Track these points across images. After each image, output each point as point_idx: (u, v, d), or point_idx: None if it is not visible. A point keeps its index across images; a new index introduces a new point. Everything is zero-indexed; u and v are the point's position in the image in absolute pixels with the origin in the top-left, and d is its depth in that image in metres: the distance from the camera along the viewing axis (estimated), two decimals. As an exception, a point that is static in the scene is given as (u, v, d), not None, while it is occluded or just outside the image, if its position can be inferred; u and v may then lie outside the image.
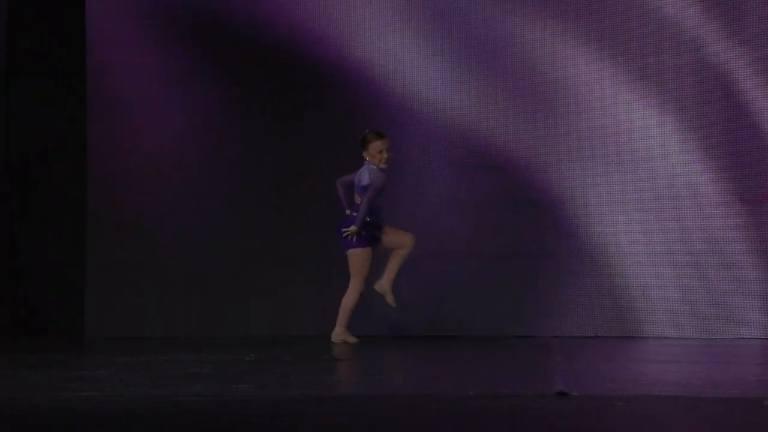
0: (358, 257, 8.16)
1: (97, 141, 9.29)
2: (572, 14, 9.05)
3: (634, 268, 8.94)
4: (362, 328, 8.24)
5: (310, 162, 9.01)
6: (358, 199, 8.23)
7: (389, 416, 3.98)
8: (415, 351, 7.51)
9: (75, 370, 5.82)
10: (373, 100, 9.01)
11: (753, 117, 8.85)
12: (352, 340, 8.04)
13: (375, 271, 8.12)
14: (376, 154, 8.16)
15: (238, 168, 9.23)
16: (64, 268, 9.45)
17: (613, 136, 8.98)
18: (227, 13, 9.26)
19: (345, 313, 8.15)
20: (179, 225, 9.21)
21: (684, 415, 3.86)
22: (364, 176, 8.16)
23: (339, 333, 8.11)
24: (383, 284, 8.20)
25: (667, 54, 8.98)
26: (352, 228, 8.06)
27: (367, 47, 9.13)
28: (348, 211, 8.27)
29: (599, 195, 9.00)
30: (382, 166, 8.18)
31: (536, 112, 9.02)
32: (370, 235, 8.18)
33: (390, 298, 8.16)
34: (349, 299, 8.15)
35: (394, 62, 9.04)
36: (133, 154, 9.28)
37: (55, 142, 9.58)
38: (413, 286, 8.90)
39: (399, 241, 8.25)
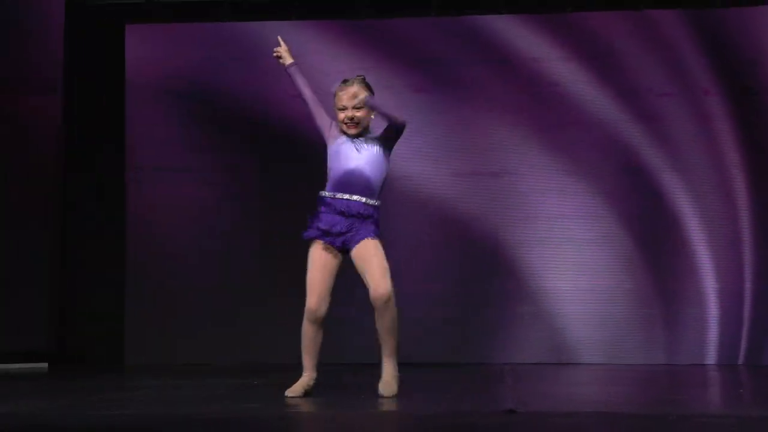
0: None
1: (135, 198, 9.32)
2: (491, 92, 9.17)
3: (566, 306, 8.96)
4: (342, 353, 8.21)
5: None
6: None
7: (369, 428, 3.93)
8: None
9: (114, 391, 5.75)
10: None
11: (647, 177, 8.97)
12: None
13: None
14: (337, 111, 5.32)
15: (254, 218, 9.23)
16: (106, 304, 9.40)
17: (541, 199, 9.05)
18: (233, 101, 9.34)
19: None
20: (206, 266, 9.21)
21: (606, 428, 3.83)
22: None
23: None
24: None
25: (576, 130, 9.08)
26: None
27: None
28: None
29: (535, 247, 9.04)
30: (347, 131, 5.29)
31: (481, 175, 9.08)
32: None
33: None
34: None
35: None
36: (165, 207, 9.31)
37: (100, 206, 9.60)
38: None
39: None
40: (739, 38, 9.02)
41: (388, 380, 5.11)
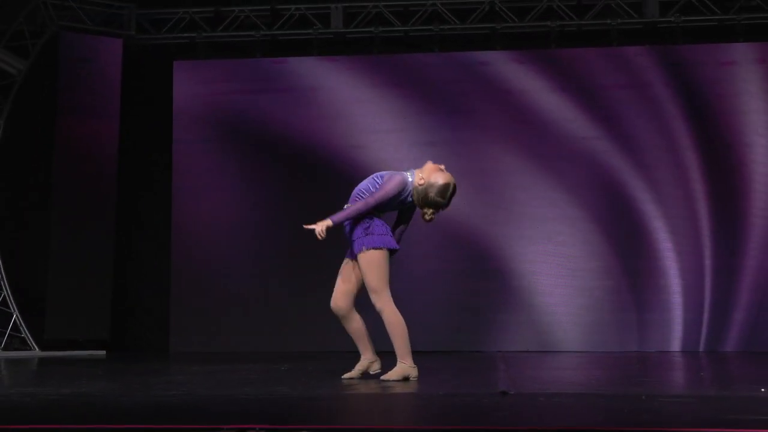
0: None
1: (180, 208, 9.35)
2: (497, 125, 9.17)
3: (550, 303, 8.93)
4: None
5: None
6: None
7: (380, 408, 3.92)
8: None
9: (162, 375, 5.75)
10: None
11: (621, 191, 8.96)
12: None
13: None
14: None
15: (281, 225, 9.23)
16: (154, 300, 9.43)
17: (528, 207, 9.06)
18: (265, 127, 9.36)
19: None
20: (240, 268, 9.23)
21: (587, 407, 3.81)
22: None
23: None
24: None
25: (559, 148, 9.08)
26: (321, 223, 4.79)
27: (356, 147, 9.18)
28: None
29: (525, 251, 9.02)
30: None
31: (476, 187, 9.07)
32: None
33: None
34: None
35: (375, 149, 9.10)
36: (205, 217, 9.33)
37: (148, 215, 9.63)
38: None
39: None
40: (699, 70, 9.03)
41: (392, 370, 4.98)
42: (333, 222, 4.86)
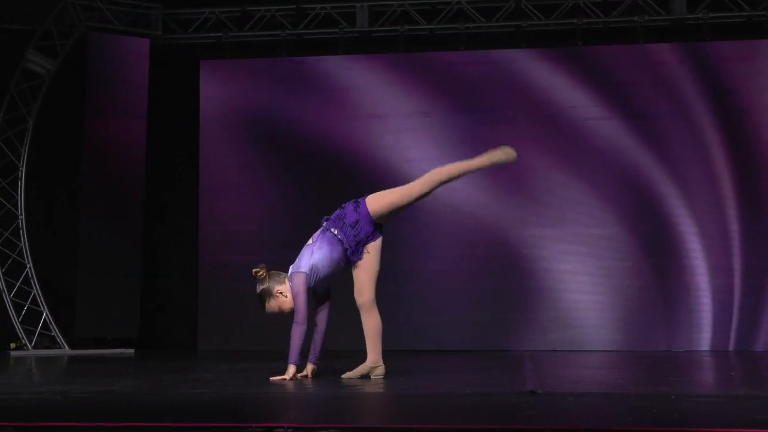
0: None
1: (206, 209, 9.38)
2: (533, 129, 9.13)
3: (578, 302, 8.89)
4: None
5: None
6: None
7: (408, 407, 3.92)
8: (428, 362, 7.39)
9: (190, 373, 5.78)
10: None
11: (649, 190, 8.89)
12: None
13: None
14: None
15: (304, 225, 9.21)
16: (182, 300, 9.47)
17: (555, 205, 9.01)
18: (289, 126, 9.37)
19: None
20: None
21: (615, 406, 3.78)
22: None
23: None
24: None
25: (587, 147, 9.02)
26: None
27: (382, 145, 9.18)
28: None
29: (554, 252, 8.97)
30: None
31: (503, 187, 9.03)
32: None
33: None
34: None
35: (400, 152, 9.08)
36: (231, 216, 9.34)
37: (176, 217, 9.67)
38: (426, 315, 8.84)
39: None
40: (724, 66, 8.95)
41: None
42: (294, 362, 4.92)
